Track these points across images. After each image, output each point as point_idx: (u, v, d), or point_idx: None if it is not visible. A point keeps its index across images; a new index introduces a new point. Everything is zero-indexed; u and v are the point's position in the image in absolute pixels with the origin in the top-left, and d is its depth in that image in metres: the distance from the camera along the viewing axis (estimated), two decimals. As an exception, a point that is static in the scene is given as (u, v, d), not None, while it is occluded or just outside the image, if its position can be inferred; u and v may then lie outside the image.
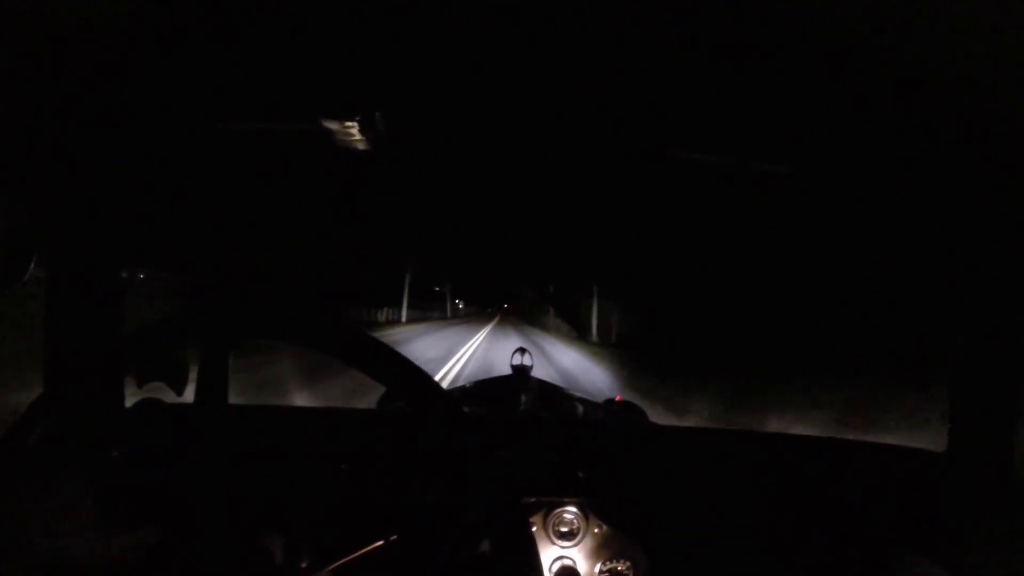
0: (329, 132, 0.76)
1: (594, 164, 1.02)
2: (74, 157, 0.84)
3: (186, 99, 0.76)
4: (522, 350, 1.91)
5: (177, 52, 0.66)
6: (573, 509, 0.98)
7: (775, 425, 4.80)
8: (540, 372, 1.94)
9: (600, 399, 1.73)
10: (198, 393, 0.79)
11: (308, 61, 0.69)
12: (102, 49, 0.69)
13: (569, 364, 9.97)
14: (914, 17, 0.51)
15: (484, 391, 1.77)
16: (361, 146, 0.81)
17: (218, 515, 0.79)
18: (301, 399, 5.29)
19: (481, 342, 15.02)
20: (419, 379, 0.68)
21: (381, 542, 0.77)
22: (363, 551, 0.77)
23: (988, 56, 0.54)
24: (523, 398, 1.59)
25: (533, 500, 0.98)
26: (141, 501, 0.83)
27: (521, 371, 1.84)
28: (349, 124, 0.75)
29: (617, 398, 1.72)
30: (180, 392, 0.86)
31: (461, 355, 10.69)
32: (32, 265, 0.84)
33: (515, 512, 0.64)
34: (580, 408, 1.65)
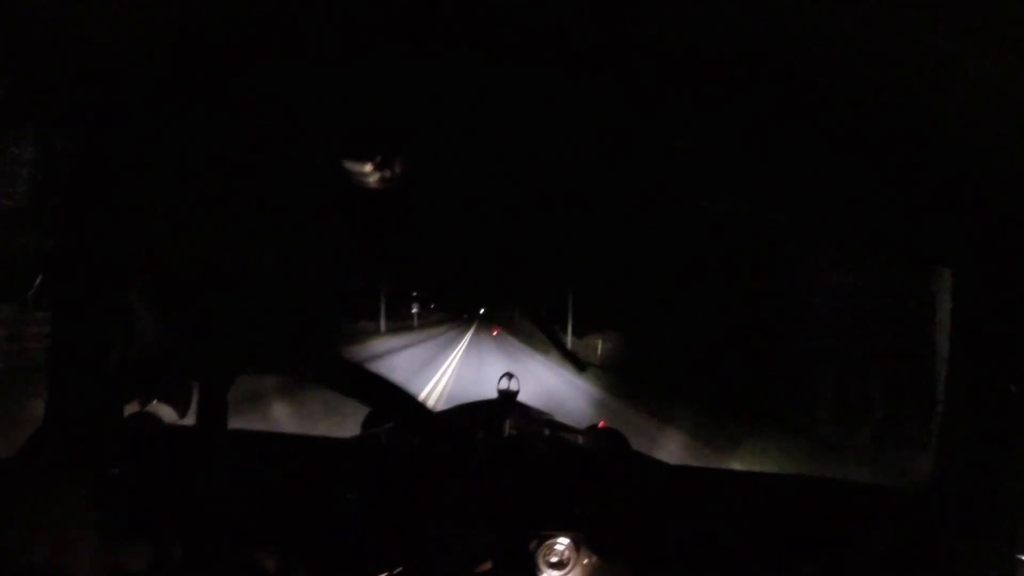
0: (347, 171, 0.79)
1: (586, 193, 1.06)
2: (87, 177, 0.85)
3: (200, 128, 0.78)
4: (509, 375, 1.92)
5: (196, 84, 0.69)
6: (565, 540, 1.01)
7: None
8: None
9: (582, 426, 1.75)
10: (198, 420, 0.80)
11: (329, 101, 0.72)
12: (124, 77, 0.71)
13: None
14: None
15: (469, 415, 1.77)
16: (377, 185, 0.84)
17: (216, 541, 0.80)
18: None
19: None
20: (408, 406, 0.70)
21: (386, 574, 0.79)
22: None
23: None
24: (508, 424, 1.60)
25: (527, 532, 1.01)
26: (140, 518, 0.84)
27: (507, 396, 1.84)
28: (367, 164, 0.78)
29: (601, 424, 1.75)
30: (182, 415, 0.87)
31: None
32: (39, 279, 0.84)
33: (521, 545, 0.67)
34: (564, 435, 1.67)
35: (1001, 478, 0.87)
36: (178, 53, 0.67)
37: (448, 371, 10.66)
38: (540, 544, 1.01)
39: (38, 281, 0.84)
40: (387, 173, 0.80)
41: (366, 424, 1.51)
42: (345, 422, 1.57)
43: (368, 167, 0.79)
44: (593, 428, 1.74)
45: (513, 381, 1.89)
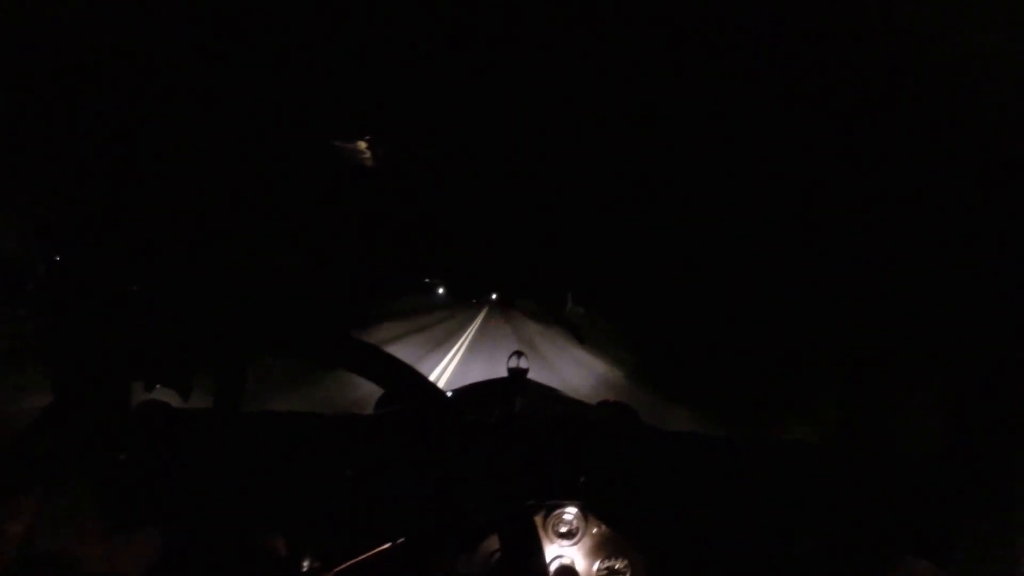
0: (340, 150, 0.78)
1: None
2: (81, 165, 0.85)
3: (198, 113, 0.78)
4: (519, 353, 1.93)
5: (193, 67, 0.68)
6: (573, 510, 1.02)
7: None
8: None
9: (594, 401, 1.76)
10: (215, 402, 0.81)
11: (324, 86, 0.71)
12: (117, 63, 0.70)
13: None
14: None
15: (480, 394, 1.79)
16: (369, 163, 0.83)
17: (223, 518, 0.81)
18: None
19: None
20: (421, 385, 0.70)
21: (388, 544, 0.80)
22: (370, 554, 0.80)
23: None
24: (518, 401, 1.61)
25: (534, 503, 1.01)
26: (147, 503, 0.85)
27: (517, 374, 1.85)
28: (360, 143, 0.77)
29: (611, 399, 1.75)
30: (186, 397, 0.88)
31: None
32: (40, 268, 0.85)
33: (521, 515, 0.67)
34: (575, 410, 1.68)
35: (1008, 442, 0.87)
36: (169, 44, 0.66)
37: (464, 345, 11.45)
38: (549, 514, 1.02)
39: (41, 268, 0.85)
40: (379, 151, 0.79)
41: (379, 404, 1.52)
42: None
43: (361, 145, 0.78)
44: (604, 403, 1.75)
45: (523, 360, 1.89)
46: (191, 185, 0.91)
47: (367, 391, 1.22)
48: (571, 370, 8.62)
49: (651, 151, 0.95)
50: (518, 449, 1.08)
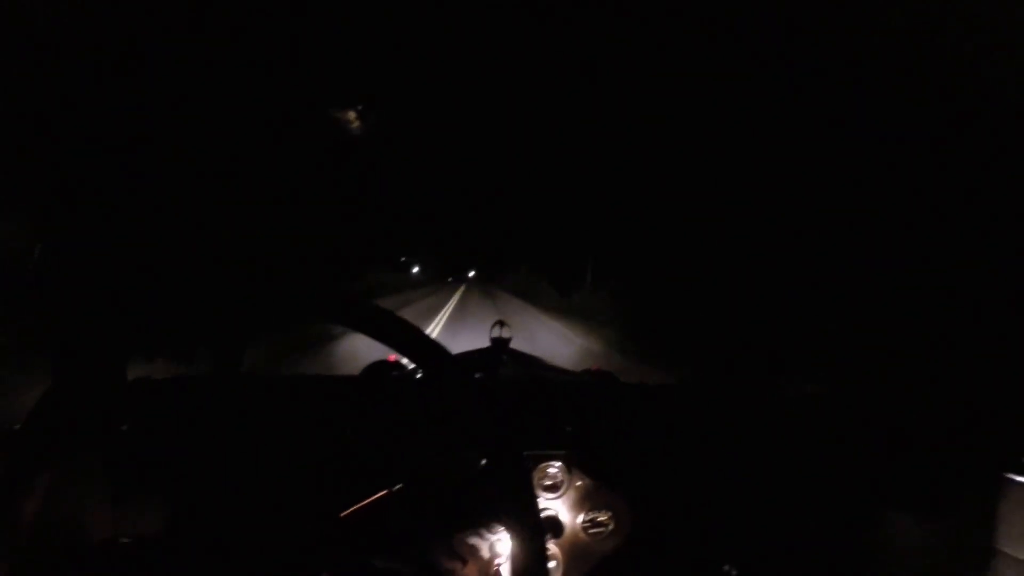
0: (331, 119, 0.79)
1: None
2: (70, 148, 0.85)
3: (189, 90, 0.78)
4: (500, 323, 1.95)
5: (185, 45, 0.68)
6: (557, 463, 1.07)
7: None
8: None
9: (578, 369, 1.80)
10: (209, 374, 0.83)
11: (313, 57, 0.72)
12: (103, 39, 0.70)
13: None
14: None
15: (463, 363, 1.82)
16: (358, 131, 0.85)
17: (224, 478, 0.84)
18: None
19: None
20: (428, 344, 0.73)
21: (385, 491, 0.84)
22: (371, 499, 0.84)
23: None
24: (502, 368, 1.65)
25: (526, 454, 1.06)
26: (153, 473, 0.88)
27: (500, 343, 1.88)
28: (350, 112, 0.79)
29: (594, 367, 1.80)
30: (187, 366, 0.90)
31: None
32: (36, 254, 0.85)
33: (519, 462, 0.72)
34: (558, 376, 1.73)
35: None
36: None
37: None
38: (534, 468, 1.06)
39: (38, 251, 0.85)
40: (370, 120, 0.81)
41: (367, 370, 1.55)
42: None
43: (351, 115, 0.79)
44: (587, 371, 1.80)
45: (505, 329, 1.92)
46: (180, 162, 0.92)
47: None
48: (553, 340, 8.79)
49: (632, 126, 0.98)
50: (503, 406, 1.12)
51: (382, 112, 0.82)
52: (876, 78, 0.72)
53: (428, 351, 0.67)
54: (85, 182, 0.89)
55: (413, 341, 0.67)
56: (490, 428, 0.68)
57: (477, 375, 1.34)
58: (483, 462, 0.71)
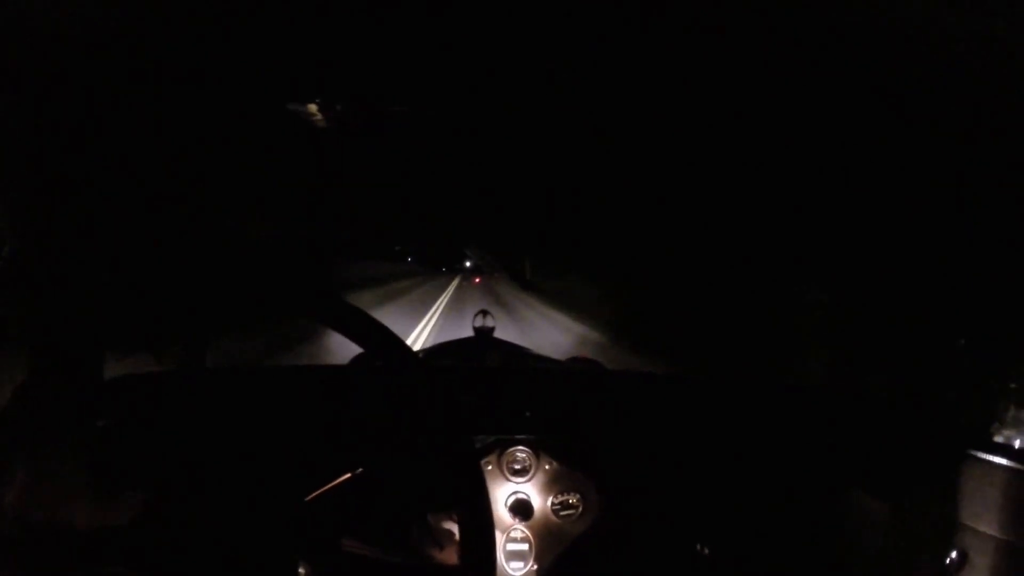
0: (293, 113, 0.80)
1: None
2: (43, 143, 0.85)
3: (155, 83, 0.78)
4: (484, 312, 1.97)
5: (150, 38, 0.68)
6: (524, 448, 1.09)
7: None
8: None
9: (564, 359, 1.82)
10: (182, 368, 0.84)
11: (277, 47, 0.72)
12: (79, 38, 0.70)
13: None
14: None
15: (448, 352, 1.83)
16: (322, 124, 0.85)
17: (202, 469, 0.86)
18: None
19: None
20: (388, 339, 0.74)
21: (349, 475, 0.87)
22: (333, 483, 0.86)
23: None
24: (487, 358, 1.67)
25: (489, 439, 1.08)
26: (129, 467, 0.89)
27: (483, 332, 1.90)
28: (312, 106, 0.79)
29: (581, 356, 1.82)
30: (162, 361, 0.91)
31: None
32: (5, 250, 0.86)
33: (465, 448, 0.74)
34: (543, 365, 1.74)
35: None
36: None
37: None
38: (502, 453, 1.09)
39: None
40: (335, 111, 0.81)
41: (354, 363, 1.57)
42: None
43: (312, 108, 0.80)
44: (574, 359, 1.82)
45: (488, 318, 1.94)
46: (151, 155, 0.92)
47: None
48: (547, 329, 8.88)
49: (619, 112, 0.97)
50: (476, 393, 1.14)
51: (368, 105, 0.83)
52: (876, 78, 0.72)
53: (381, 340, 0.69)
54: (59, 175, 0.89)
55: (367, 330, 0.68)
56: (435, 416, 0.70)
57: (448, 363, 1.35)
58: (436, 449, 0.73)
